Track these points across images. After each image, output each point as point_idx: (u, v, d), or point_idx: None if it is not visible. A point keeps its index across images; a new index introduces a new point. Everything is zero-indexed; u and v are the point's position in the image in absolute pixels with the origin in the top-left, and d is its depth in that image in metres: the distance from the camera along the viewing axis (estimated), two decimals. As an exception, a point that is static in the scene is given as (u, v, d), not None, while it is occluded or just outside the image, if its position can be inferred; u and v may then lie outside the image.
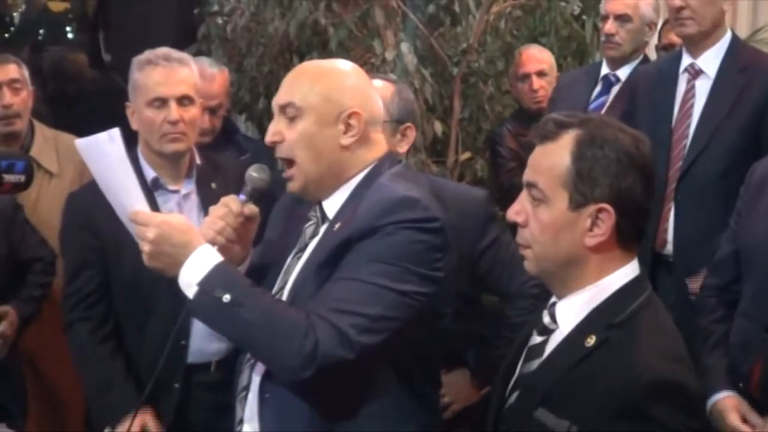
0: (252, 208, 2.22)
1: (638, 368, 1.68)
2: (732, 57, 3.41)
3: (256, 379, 2.18)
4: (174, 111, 2.87)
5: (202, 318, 2.11)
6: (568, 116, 1.85)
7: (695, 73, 3.45)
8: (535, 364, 1.87)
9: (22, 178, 3.13)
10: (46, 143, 3.77)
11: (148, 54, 2.93)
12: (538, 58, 4.62)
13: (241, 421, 2.22)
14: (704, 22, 3.39)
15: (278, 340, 1.99)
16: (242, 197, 2.21)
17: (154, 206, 2.79)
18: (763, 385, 2.43)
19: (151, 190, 2.89)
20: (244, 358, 2.24)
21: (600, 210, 1.77)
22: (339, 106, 2.14)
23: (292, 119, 2.15)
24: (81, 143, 2.12)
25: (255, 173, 2.23)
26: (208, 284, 2.03)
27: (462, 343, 2.85)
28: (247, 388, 2.21)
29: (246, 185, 2.23)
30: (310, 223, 2.24)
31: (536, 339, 1.90)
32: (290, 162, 2.17)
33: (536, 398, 1.79)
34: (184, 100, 2.90)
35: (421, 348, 2.16)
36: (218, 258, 2.07)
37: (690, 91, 3.43)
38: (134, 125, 2.95)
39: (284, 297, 2.18)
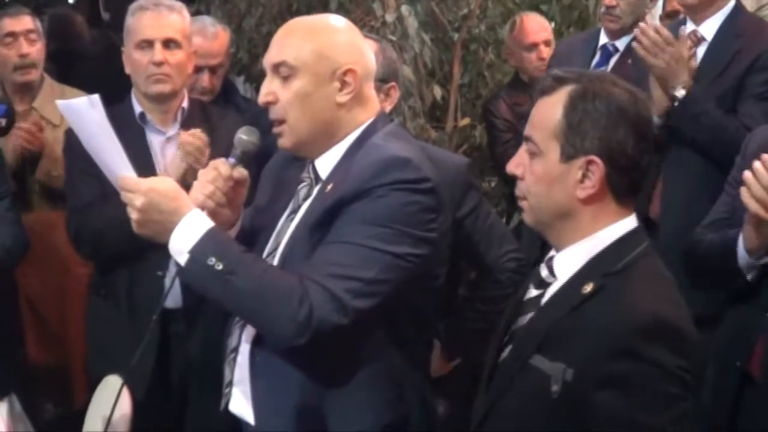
0: (242, 172, 2.18)
1: (633, 311, 1.72)
2: (731, 23, 3.40)
3: (245, 342, 2.17)
4: (158, 52, 3.01)
5: (194, 285, 2.09)
6: (568, 72, 1.89)
7: (697, 40, 3.43)
8: (529, 317, 1.90)
9: (3, 122, 3.13)
10: (52, 95, 3.78)
11: (142, 0, 3.10)
12: (544, 26, 4.59)
13: (230, 384, 2.21)
14: None
15: (272, 307, 1.98)
16: (231, 160, 2.17)
17: (145, 143, 3.03)
18: (765, 361, 2.42)
19: (141, 126, 3.08)
20: (233, 319, 2.22)
21: (590, 162, 1.81)
22: (334, 63, 2.10)
23: (286, 78, 2.10)
24: (62, 105, 2.11)
25: (245, 136, 2.19)
26: (199, 252, 2.00)
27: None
28: (236, 350, 2.20)
29: (235, 148, 2.19)
30: (304, 184, 2.21)
31: (532, 293, 1.93)
32: (282, 121, 2.13)
33: (532, 346, 1.82)
34: (170, 44, 3.04)
35: (415, 309, 2.16)
36: (209, 224, 2.05)
37: (691, 58, 3.40)
38: (127, 69, 3.10)
39: (276, 259, 2.16)
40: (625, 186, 1.84)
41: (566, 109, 1.82)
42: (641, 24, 3.35)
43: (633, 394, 1.70)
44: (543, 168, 1.84)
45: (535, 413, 1.80)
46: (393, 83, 2.69)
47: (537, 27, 4.57)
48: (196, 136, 2.95)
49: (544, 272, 1.91)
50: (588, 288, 1.79)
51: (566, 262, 1.87)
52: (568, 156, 1.82)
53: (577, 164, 1.81)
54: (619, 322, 1.72)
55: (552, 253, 1.92)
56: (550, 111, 1.84)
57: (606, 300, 1.77)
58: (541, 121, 1.86)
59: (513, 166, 1.90)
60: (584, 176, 1.81)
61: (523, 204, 1.91)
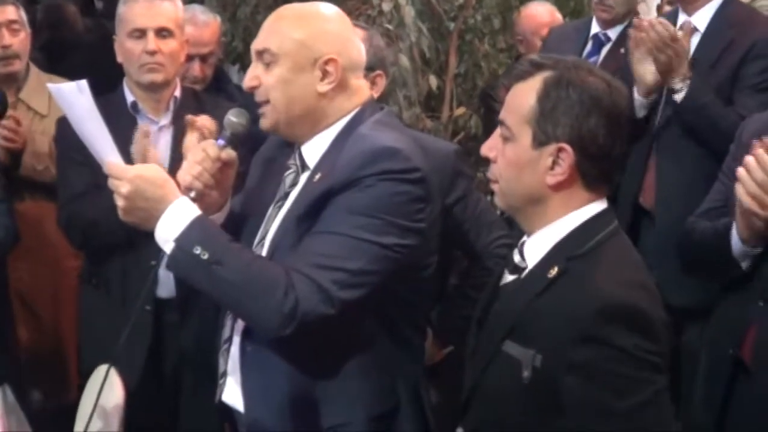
0: (230, 153, 2.17)
1: (594, 295, 1.74)
2: (723, 13, 3.42)
3: (237, 332, 2.17)
4: (152, 41, 2.99)
5: (179, 274, 2.09)
6: (545, 58, 1.89)
7: (690, 31, 3.41)
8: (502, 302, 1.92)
9: None
10: (39, 85, 3.74)
11: None
12: (558, 17, 4.60)
13: (224, 374, 2.21)
14: None
15: (257, 298, 1.97)
16: (221, 142, 2.16)
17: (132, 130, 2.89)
18: (757, 348, 2.41)
19: (133, 116, 3.05)
20: (226, 310, 2.21)
21: (560, 149, 1.81)
22: (315, 52, 2.10)
23: (268, 65, 2.11)
24: (53, 88, 2.10)
25: (234, 118, 2.18)
26: (185, 241, 1.99)
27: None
28: (229, 340, 2.19)
29: (225, 130, 2.18)
30: (290, 171, 2.20)
31: (508, 278, 1.94)
32: (267, 102, 2.13)
33: (503, 332, 1.84)
34: (163, 32, 3.02)
35: (405, 299, 2.15)
36: (195, 212, 2.03)
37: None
38: (119, 58, 3.08)
39: (265, 247, 2.15)
40: (595, 174, 1.85)
41: (540, 95, 1.82)
42: (650, 19, 3.34)
43: (596, 379, 1.71)
44: (514, 153, 1.85)
45: (510, 398, 1.81)
46: (379, 72, 2.68)
47: (549, 18, 4.57)
48: (209, 120, 2.92)
49: (516, 257, 1.92)
50: (553, 272, 1.81)
51: (535, 247, 1.88)
52: (539, 142, 1.83)
53: (548, 151, 1.82)
54: (579, 306, 1.73)
55: (524, 238, 1.93)
56: (524, 96, 1.84)
57: (569, 284, 1.78)
58: (515, 105, 1.86)
59: (486, 149, 1.92)
60: (554, 163, 1.82)
61: (494, 187, 1.92)
